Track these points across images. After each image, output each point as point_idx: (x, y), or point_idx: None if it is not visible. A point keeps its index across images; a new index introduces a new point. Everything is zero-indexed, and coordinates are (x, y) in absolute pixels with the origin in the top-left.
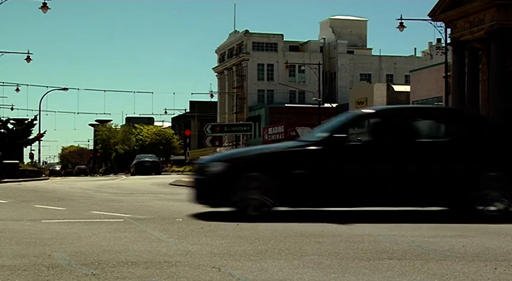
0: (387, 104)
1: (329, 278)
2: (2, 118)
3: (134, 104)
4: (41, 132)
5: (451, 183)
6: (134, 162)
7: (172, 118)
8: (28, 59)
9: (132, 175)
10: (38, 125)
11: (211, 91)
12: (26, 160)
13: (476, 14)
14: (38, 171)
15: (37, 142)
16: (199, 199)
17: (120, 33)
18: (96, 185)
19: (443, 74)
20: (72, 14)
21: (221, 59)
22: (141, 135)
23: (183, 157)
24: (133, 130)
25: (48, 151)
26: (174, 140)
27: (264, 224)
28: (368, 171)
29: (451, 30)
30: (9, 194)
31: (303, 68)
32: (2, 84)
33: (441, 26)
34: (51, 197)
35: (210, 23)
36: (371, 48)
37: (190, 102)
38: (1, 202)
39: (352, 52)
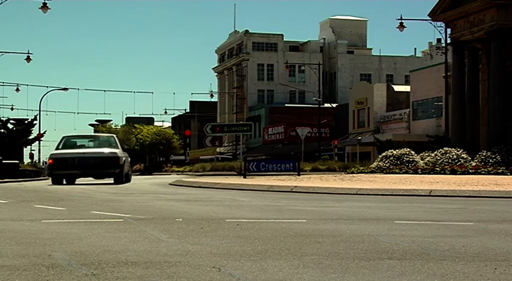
0: (387, 104)
1: (329, 278)
2: (2, 118)
3: (134, 104)
4: (41, 132)
5: None
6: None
7: (172, 118)
8: (28, 59)
9: None
10: (38, 125)
11: (211, 91)
12: (26, 160)
13: (476, 14)
14: (38, 171)
15: (37, 142)
16: None
17: (120, 33)
18: (96, 185)
19: (443, 74)
20: (72, 14)
21: (221, 59)
22: (141, 135)
23: (183, 157)
24: (133, 130)
25: (48, 151)
26: (174, 140)
27: (264, 223)
28: None
29: (451, 30)
30: (9, 194)
31: (303, 68)
32: (2, 84)
33: (441, 26)
34: (51, 197)
35: (210, 23)
36: (371, 48)
37: (190, 102)
38: (1, 202)
39: (352, 52)
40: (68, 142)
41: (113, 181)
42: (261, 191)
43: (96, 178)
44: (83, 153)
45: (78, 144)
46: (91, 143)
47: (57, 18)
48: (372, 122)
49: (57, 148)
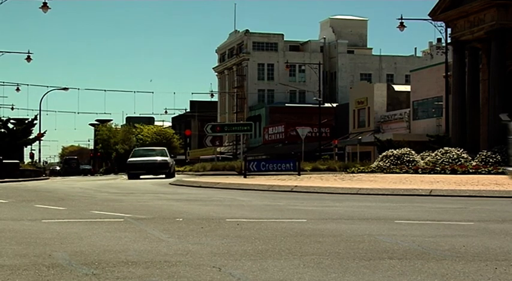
0: (387, 104)
1: (329, 278)
2: (2, 118)
3: (134, 104)
4: (41, 132)
5: None
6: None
7: (172, 118)
8: (28, 58)
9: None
10: (38, 125)
11: (212, 91)
12: (26, 159)
13: (477, 13)
14: (38, 171)
15: (37, 142)
16: None
17: (120, 33)
18: (96, 185)
19: (444, 74)
20: (72, 13)
21: (221, 59)
22: (142, 135)
23: (183, 157)
24: (134, 130)
25: (48, 151)
26: (175, 140)
27: (264, 223)
28: None
29: (451, 30)
30: (9, 194)
31: (303, 67)
32: (2, 84)
33: (441, 26)
34: (51, 197)
35: (210, 23)
36: (371, 48)
37: (191, 102)
38: (1, 202)
39: (353, 52)
40: (137, 152)
41: (164, 176)
42: (261, 191)
43: (155, 175)
44: (146, 160)
45: (143, 154)
46: (151, 154)
47: (57, 18)
48: (372, 122)
49: (131, 157)
